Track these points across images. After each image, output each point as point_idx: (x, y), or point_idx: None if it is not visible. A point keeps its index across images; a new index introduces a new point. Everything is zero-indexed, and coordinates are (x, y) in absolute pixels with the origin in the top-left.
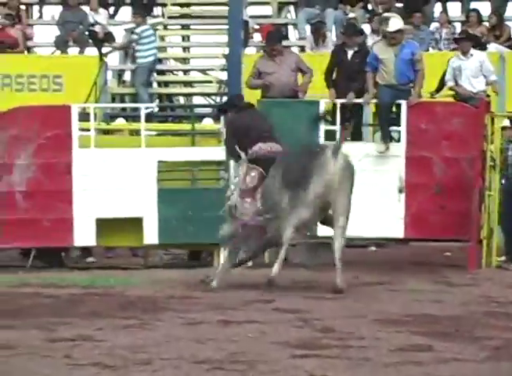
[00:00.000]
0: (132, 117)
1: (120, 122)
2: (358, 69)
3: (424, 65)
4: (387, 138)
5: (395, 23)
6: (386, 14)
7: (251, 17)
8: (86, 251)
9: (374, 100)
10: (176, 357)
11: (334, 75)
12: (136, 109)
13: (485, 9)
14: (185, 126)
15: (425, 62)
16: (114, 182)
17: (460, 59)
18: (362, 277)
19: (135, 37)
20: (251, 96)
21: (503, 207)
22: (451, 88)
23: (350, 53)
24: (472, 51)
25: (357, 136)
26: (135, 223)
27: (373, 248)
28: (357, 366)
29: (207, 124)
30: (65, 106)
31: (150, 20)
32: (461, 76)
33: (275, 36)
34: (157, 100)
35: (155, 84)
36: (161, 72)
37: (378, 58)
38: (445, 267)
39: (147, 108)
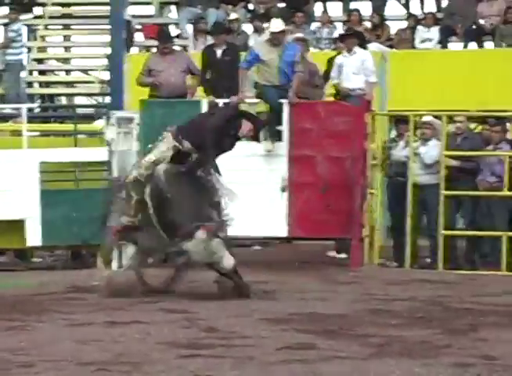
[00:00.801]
0: (12, 117)
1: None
2: (228, 67)
3: (303, 68)
4: (276, 136)
5: (278, 23)
6: None
7: (133, 17)
8: None
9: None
10: (60, 359)
11: (208, 75)
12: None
13: (366, 9)
14: (68, 127)
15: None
16: None
17: (344, 56)
18: (246, 277)
19: (12, 34)
20: (138, 95)
21: (388, 205)
22: (334, 85)
23: (219, 52)
24: (356, 49)
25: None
26: (18, 225)
27: (258, 247)
28: (242, 365)
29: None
30: None
31: (22, 16)
32: (342, 72)
33: (167, 34)
34: (39, 100)
35: (36, 85)
36: (42, 72)
37: (260, 58)
38: (329, 265)
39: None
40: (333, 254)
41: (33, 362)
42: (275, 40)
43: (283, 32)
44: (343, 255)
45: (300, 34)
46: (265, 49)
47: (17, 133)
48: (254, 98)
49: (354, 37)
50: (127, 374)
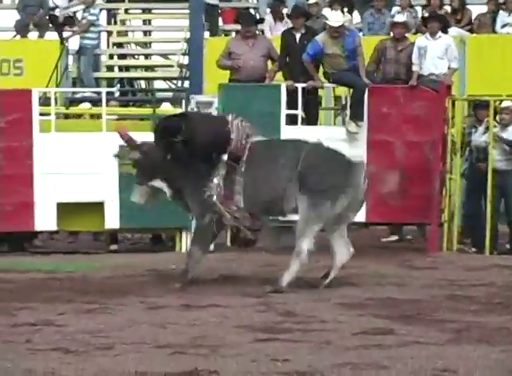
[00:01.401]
0: (94, 101)
1: (85, 106)
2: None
3: (363, 50)
4: (361, 118)
5: (337, 17)
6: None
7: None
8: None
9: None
10: (138, 342)
11: (288, 59)
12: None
13: None
14: (147, 110)
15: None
16: (76, 167)
17: (427, 39)
18: (323, 261)
19: (93, 17)
20: (217, 79)
21: (464, 191)
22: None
23: (298, 36)
24: (440, 33)
25: (314, 121)
26: (97, 208)
27: None
28: (319, 350)
29: (167, 108)
30: (25, 90)
31: (100, 1)
32: (425, 56)
33: (250, 18)
34: (118, 85)
35: (116, 69)
36: (122, 56)
37: (324, 52)
38: (406, 250)
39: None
40: (386, 239)
41: (112, 344)
42: (336, 33)
43: (341, 26)
44: (393, 238)
45: (400, 19)
46: (327, 42)
47: (96, 117)
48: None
49: (437, 21)
50: (203, 356)
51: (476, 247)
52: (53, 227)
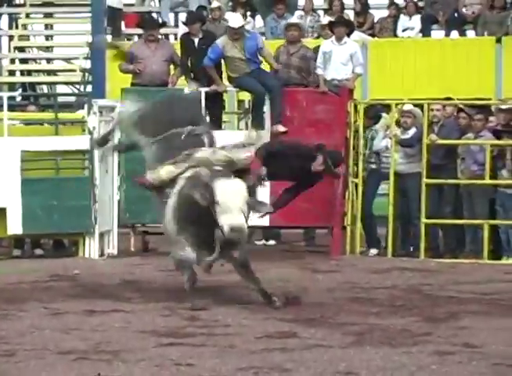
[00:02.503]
0: None
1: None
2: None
3: (269, 50)
4: (260, 123)
5: (237, 18)
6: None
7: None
8: None
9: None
10: (40, 348)
11: (189, 63)
12: None
13: None
14: (49, 115)
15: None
16: None
17: (333, 44)
18: (227, 265)
19: None
20: (120, 83)
21: (367, 194)
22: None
23: (196, 40)
24: (346, 38)
25: (218, 124)
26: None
27: None
28: (223, 354)
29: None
30: None
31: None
32: (330, 61)
33: (153, 22)
34: (20, 89)
35: (18, 73)
36: (24, 61)
37: (224, 55)
38: (309, 254)
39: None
40: (261, 242)
41: (14, 350)
42: (236, 35)
43: (241, 27)
44: (271, 242)
45: (293, 20)
46: (227, 45)
47: None
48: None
49: (344, 26)
50: (107, 362)
51: (371, 248)
52: None
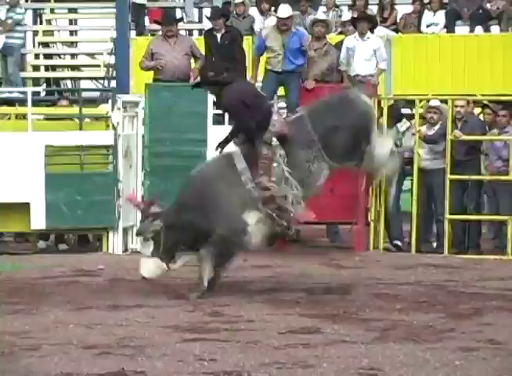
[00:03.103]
0: (19, 101)
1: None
2: (229, 50)
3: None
4: None
5: (285, 9)
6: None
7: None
8: None
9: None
10: (65, 342)
11: (213, 59)
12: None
13: None
14: (73, 110)
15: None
16: (2, 167)
17: (356, 39)
18: (250, 261)
19: (19, 17)
20: (143, 78)
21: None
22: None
23: (219, 36)
24: (369, 34)
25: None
26: (23, 208)
27: None
28: (246, 349)
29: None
30: None
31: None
32: (354, 57)
33: (170, 17)
34: (44, 84)
35: (42, 69)
36: (48, 56)
37: (266, 45)
38: (333, 250)
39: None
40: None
41: (38, 345)
42: (283, 26)
43: (290, 17)
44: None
45: (321, 16)
46: (271, 35)
47: (22, 116)
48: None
49: (367, 21)
50: (130, 357)
51: (393, 245)
52: None
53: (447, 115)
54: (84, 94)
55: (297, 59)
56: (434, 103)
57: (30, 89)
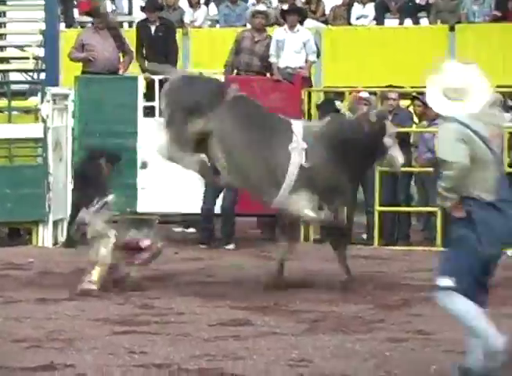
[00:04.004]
0: None
1: None
2: (162, 43)
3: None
4: None
5: None
6: None
7: None
8: None
9: None
10: None
11: (144, 51)
12: None
13: None
14: (2, 103)
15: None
16: None
17: (286, 32)
18: (181, 254)
19: None
20: (72, 71)
21: None
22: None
23: (153, 28)
24: (298, 26)
25: None
26: None
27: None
28: (176, 342)
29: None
30: None
31: None
32: (284, 49)
33: (99, 10)
34: None
35: None
36: None
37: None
38: (264, 242)
39: None
40: (179, 229)
41: None
42: None
43: None
44: (191, 230)
45: (261, 8)
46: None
47: None
48: None
49: (297, 14)
50: (59, 350)
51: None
52: None
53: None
54: (13, 87)
55: None
56: (364, 94)
57: None
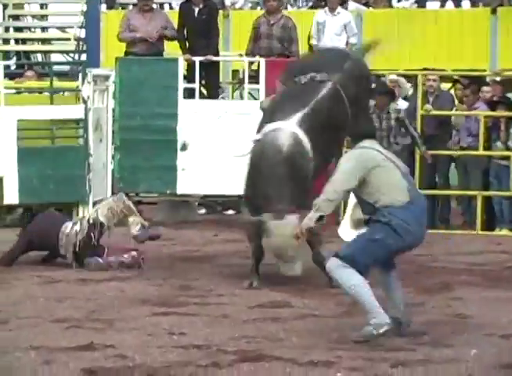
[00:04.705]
0: None
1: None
2: (205, 26)
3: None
4: None
5: None
6: None
7: None
8: None
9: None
10: (34, 316)
11: (185, 33)
12: None
13: None
14: (44, 84)
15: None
16: None
17: (326, 14)
18: (222, 235)
19: None
20: (113, 52)
21: None
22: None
23: (196, 10)
24: (339, 9)
25: (213, 94)
26: None
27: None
28: (215, 323)
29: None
30: None
31: None
32: (324, 31)
33: None
34: (15, 58)
35: (12, 42)
36: (19, 29)
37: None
38: None
39: None
40: (203, 211)
41: (7, 318)
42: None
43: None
44: (230, 212)
45: None
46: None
47: None
48: None
49: None
50: (100, 330)
51: None
52: None
53: (407, 89)
54: (55, 68)
55: None
56: (393, 77)
57: (0, 63)
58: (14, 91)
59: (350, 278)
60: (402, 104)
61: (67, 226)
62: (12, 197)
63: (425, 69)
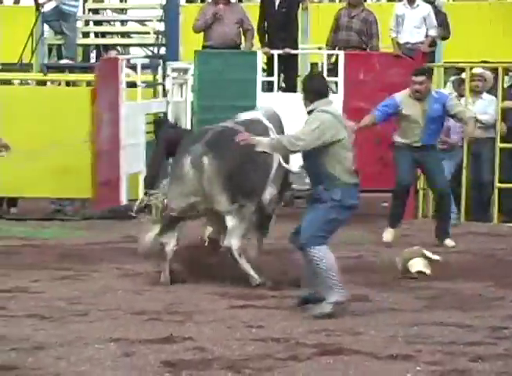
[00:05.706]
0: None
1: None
2: (285, 18)
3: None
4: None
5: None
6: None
7: None
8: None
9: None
10: (113, 308)
11: (266, 25)
12: None
13: None
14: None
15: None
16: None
17: (405, 7)
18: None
19: None
20: (192, 46)
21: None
22: (392, 39)
23: (277, 3)
24: (418, 1)
25: (292, 87)
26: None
27: None
28: (294, 316)
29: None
30: None
31: None
32: (403, 24)
33: None
34: (94, 51)
35: (92, 35)
36: (98, 23)
37: (401, 113)
38: (380, 217)
39: None
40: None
41: (87, 311)
42: (417, 93)
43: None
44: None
45: None
46: (407, 102)
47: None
48: None
49: None
50: (178, 323)
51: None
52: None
53: (491, 83)
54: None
55: (439, 131)
56: (478, 70)
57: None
58: None
59: (325, 252)
60: (487, 98)
61: None
62: None
63: (484, 62)
